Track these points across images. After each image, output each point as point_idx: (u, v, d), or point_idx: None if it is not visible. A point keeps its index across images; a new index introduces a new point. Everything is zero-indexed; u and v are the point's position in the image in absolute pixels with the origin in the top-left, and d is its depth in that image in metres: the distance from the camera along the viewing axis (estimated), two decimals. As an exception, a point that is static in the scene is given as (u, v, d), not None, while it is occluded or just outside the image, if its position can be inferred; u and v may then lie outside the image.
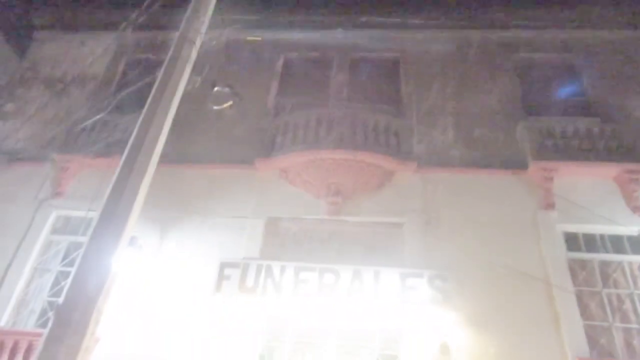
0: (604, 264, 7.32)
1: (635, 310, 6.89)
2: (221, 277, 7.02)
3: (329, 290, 6.83)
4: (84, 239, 3.53)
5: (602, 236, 7.54)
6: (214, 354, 6.65)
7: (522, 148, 8.34)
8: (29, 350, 6.58)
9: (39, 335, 6.61)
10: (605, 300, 6.97)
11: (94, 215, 3.65)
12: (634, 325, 6.76)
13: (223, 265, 7.12)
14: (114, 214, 3.53)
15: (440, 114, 9.07)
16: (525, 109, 9.03)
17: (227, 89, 7.62)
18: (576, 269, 7.23)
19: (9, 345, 6.67)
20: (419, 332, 6.65)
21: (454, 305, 6.59)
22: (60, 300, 3.14)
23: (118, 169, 3.84)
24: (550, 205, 7.67)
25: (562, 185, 7.78)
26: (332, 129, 8.22)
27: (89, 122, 8.63)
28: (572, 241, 7.51)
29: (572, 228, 7.57)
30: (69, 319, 2.94)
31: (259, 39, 10.05)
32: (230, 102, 7.77)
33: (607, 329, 6.76)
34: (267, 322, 7.05)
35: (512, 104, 9.08)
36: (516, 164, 8.17)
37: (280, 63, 10.27)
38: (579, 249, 7.44)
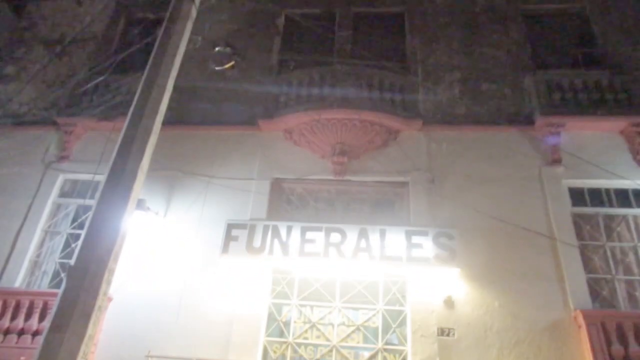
0: (609, 218, 7.35)
1: (638, 262, 6.96)
2: (228, 238, 7.11)
3: (335, 249, 6.92)
4: (92, 202, 3.56)
5: (607, 190, 7.54)
6: (222, 313, 6.83)
7: (529, 103, 8.22)
8: (44, 309, 6.78)
9: (54, 295, 6.81)
10: (609, 254, 7.04)
11: (101, 178, 3.67)
12: (637, 277, 6.86)
13: (230, 227, 7.20)
14: (120, 177, 3.55)
15: (446, 70, 8.91)
16: (534, 61, 8.84)
17: (228, 49, 7.49)
18: (580, 224, 7.27)
19: (25, 304, 6.86)
20: (424, 288, 6.78)
21: (459, 261, 6.68)
22: (72, 261, 3.20)
23: (122, 132, 3.83)
24: (556, 161, 7.63)
25: (568, 140, 7.72)
26: (336, 87, 8.10)
27: (91, 84, 8.56)
28: (577, 196, 7.52)
29: (578, 183, 7.56)
30: (82, 279, 3.01)
31: (259, -5, 9.79)
32: (232, 62, 7.65)
33: (610, 281, 6.86)
34: (275, 281, 7.20)
35: (521, 57, 8.89)
36: (523, 119, 8.08)
37: (281, 20, 10.04)
38: (583, 204, 7.46)
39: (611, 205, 7.43)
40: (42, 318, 6.72)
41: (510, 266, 6.80)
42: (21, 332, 6.69)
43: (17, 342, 6.59)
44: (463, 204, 7.31)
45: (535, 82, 8.20)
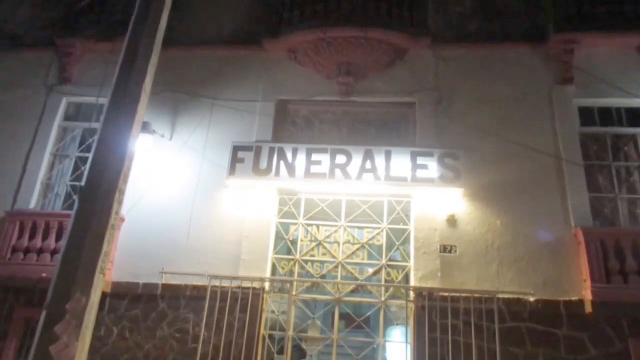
0: (617, 137, 7.30)
1: (642, 181, 7.01)
2: (234, 159, 7.18)
3: (340, 170, 6.99)
4: (97, 125, 3.56)
5: (617, 109, 7.41)
6: (231, 232, 7.05)
7: (544, 18, 7.84)
8: (60, 229, 7.02)
9: (67, 216, 7.00)
10: (614, 173, 7.07)
11: (105, 101, 3.64)
12: (639, 196, 6.93)
13: (236, 149, 7.23)
14: (123, 98, 3.50)
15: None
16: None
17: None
18: (588, 143, 7.23)
19: (41, 225, 7.11)
20: (428, 208, 6.91)
21: (463, 181, 6.75)
22: (82, 183, 3.26)
23: (122, 52, 3.72)
24: (567, 79, 7.43)
25: (582, 57, 7.45)
26: (341, 3, 7.73)
27: (85, 1, 8.24)
28: (586, 115, 7.40)
29: (588, 102, 7.42)
30: (93, 200, 3.08)
31: None
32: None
33: (612, 200, 6.94)
34: (281, 201, 7.35)
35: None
36: (537, 36, 7.75)
37: None
38: (593, 123, 7.36)
39: (621, 125, 7.34)
40: (58, 238, 6.97)
41: (515, 186, 6.87)
42: (40, 251, 6.99)
43: (37, 260, 6.90)
44: (470, 125, 7.24)
45: (552, -5, 7.77)
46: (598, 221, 6.75)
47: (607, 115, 7.41)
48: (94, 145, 3.47)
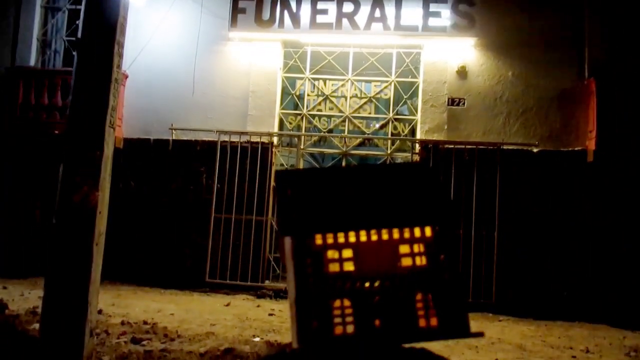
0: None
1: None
2: (235, 10, 6.79)
3: (348, 19, 6.62)
4: (84, -29, 3.29)
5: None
6: (237, 88, 6.95)
7: None
8: (64, 87, 6.94)
9: (70, 73, 6.88)
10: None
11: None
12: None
13: (236, -4, 6.80)
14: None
15: None
16: None
17: None
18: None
19: (44, 83, 7.01)
20: (438, 60, 6.68)
21: (478, 30, 6.42)
22: (79, 35, 3.12)
23: None
24: None
25: None
26: None
27: None
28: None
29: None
30: (92, 53, 2.98)
31: None
32: None
33: (635, 48, 6.60)
34: (286, 55, 7.10)
35: None
36: None
37: None
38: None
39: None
40: (64, 95, 6.91)
41: (531, 34, 6.50)
42: (48, 109, 6.99)
43: (47, 118, 6.95)
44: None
45: None
46: (615, 72, 6.52)
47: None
48: (84, -5, 3.26)
